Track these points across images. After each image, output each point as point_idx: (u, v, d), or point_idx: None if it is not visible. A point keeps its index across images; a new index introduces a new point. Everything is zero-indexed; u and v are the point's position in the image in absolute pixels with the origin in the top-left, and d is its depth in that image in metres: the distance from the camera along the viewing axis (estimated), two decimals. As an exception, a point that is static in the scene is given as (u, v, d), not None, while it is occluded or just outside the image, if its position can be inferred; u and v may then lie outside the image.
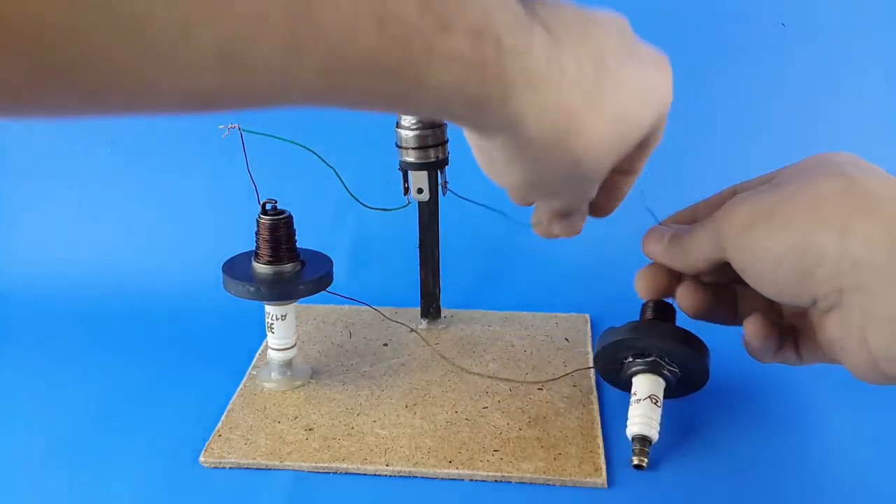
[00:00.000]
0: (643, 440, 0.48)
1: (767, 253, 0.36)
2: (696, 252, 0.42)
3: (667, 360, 0.50)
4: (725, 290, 0.45)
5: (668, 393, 0.51)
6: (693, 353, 0.49)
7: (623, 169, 0.40)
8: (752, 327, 0.42)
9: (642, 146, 0.38)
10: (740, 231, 0.38)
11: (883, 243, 0.32)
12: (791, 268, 0.35)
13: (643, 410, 0.49)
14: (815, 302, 0.36)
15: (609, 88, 0.32)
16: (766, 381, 0.56)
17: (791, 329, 0.43)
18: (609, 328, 0.51)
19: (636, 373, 0.51)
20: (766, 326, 0.42)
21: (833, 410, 0.53)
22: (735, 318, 0.46)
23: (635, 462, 0.47)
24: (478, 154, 0.36)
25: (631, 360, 0.51)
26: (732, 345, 0.50)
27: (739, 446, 0.50)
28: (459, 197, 0.57)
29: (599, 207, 0.43)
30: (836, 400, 0.54)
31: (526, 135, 0.31)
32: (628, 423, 0.49)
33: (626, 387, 0.52)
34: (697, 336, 0.49)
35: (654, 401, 0.49)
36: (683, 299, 0.45)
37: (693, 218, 0.46)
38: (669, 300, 0.49)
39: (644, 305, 0.53)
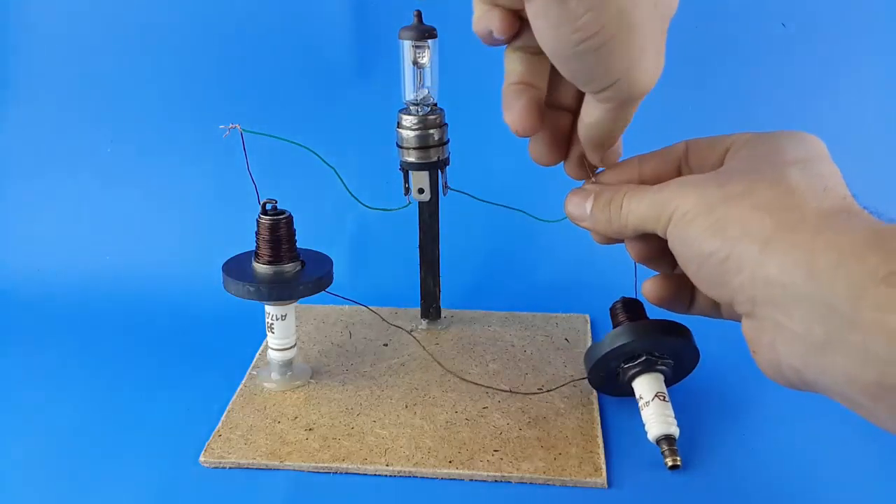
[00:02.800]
0: (669, 439, 0.48)
1: (696, 249, 0.37)
2: (628, 222, 0.41)
3: (657, 354, 0.50)
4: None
5: (667, 383, 0.51)
6: (679, 339, 0.49)
7: None
8: (648, 288, 0.44)
9: None
10: (679, 218, 0.38)
11: (797, 264, 0.33)
12: (713, 269, 0.36)
13: (656, 410, 0.49)
14: (733, 305, 0.37)
15: None
16: (762, 377, 0.56)
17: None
18: (592, 345, 0.52)
19: (634, 376, 0.51)
20: (664, 288, 0.44)
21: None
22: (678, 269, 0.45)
23: (670, 463, 0.47)
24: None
25: (623, 366, 0.51)
26: (723, 342, 0.50)
27: (739, 443, 0.50)
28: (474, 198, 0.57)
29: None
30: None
31: None
32: (647, 426, 0.49)
33: (626, 393, 0.52)
34: (676, 321, 0.49)
35: (661, 398, 0.49)
36: (630, 247, 0.44)
37: (635, 173, 0.44)
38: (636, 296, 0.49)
39: (613, 310, 0.54)
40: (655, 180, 0.43)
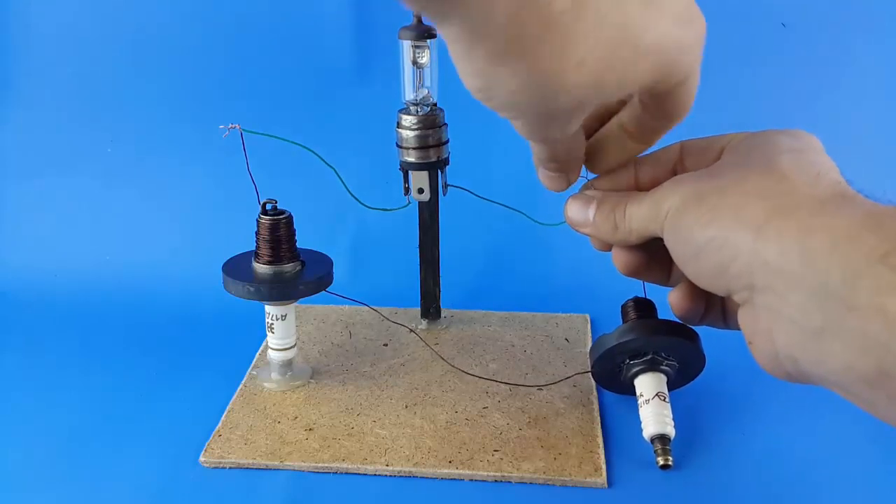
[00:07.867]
0: (663, 439, 0.48)
1: (690, 240, 0.37)
2: (633, 227, 0.41)
3: (663, 354, 0.50)
4: (658, 251, 0.43)
5: (669, 386, 0.51)
6: (687, 342, 0.49)
7: (613, 118, 0.40)
8: (674, 298, 0.43)
9: (648, 102, 0.38)
10: (673, 213, 0.38)
11: (792, 248, 0.32)
12: (709, 259, 0.36)
13: (655, 409, 0.49)
14: (730, 294, 0.37)
15: (582, 28, 0.29)
16: (762, 376, 0.56)
17: (719, 298, 0.43)
18: (600, 336, 0.51)
19: (637, 374, 0.51)
20: (690, 299, 0.43)
21: (832, 404, 0.53)
22: (668, 280, 0.45)
23: (661, 462, 0.47)
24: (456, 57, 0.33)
25: (629, 362, 0.51)
26: (722, 340, 0.50)
27: (739, 443, 0.50)
28: (476, 196, 0.57)
29: (592, 159, 0.43)
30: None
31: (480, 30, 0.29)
32: (643, 424, 0.49)
33: (626, 390, 0.52)
34: (685, 325, 0.49)
35: (661, 398, 0.49)
36: (617, 258, 0.44)
37: (632, 178, 0.44)
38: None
39: (624, 306, 0.54)
40: (652, 183, 0.43)
